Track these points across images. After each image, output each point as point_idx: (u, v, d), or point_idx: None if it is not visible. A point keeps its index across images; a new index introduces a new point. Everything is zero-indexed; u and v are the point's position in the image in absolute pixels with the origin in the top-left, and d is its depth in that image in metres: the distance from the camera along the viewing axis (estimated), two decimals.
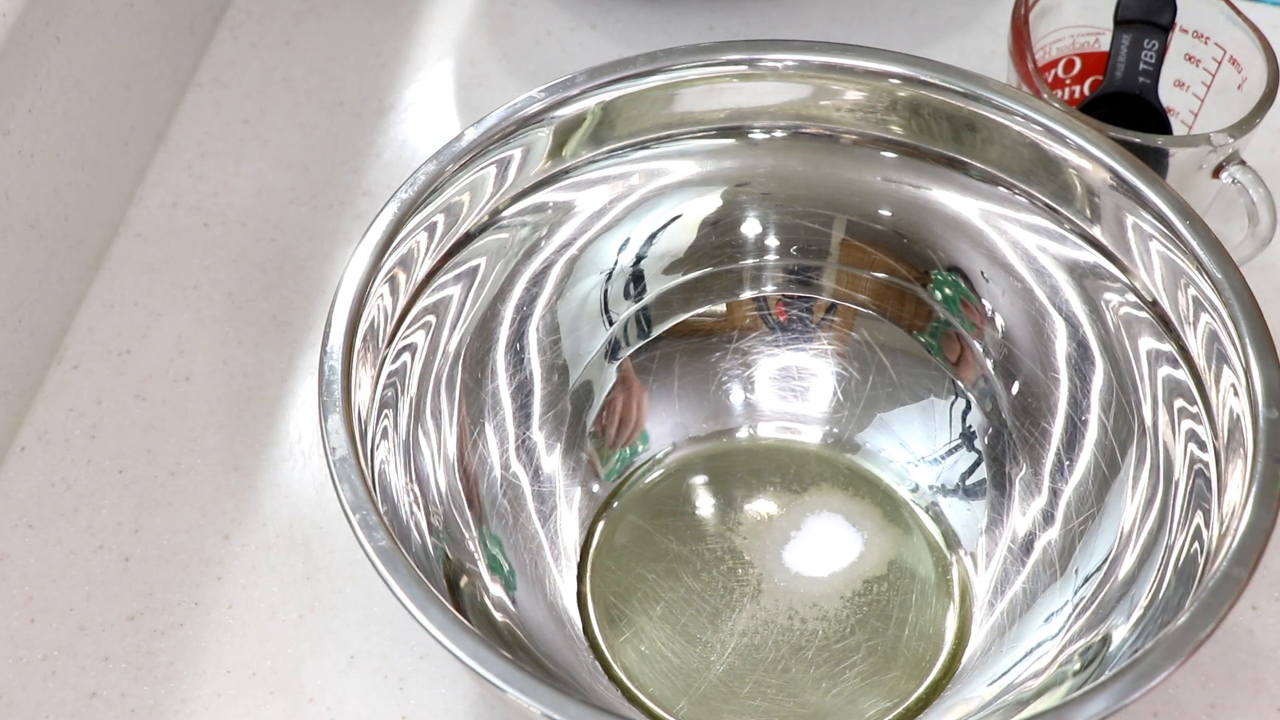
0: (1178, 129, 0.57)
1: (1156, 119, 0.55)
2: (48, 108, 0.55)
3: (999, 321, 0.52)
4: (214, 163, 0.63)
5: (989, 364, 0.52)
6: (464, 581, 0.46)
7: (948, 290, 0.52)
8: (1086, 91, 0.58)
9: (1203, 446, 0.45)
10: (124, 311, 0.58)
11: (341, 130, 0.64)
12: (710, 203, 0.53)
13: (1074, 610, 0.46)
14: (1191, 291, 0.46)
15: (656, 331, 0.54)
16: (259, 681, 0.49)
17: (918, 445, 0.53)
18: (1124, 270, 0.48)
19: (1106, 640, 0.44)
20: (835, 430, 0.54)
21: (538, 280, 0.52)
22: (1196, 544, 0.43)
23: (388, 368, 0.47)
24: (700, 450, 0.53)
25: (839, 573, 0.50)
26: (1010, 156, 0.50)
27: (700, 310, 0.54)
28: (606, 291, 0.53)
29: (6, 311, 0.53)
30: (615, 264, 0.53)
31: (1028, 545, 0.49)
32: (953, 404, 0.52)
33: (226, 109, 0.65)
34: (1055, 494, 0.49)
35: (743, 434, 0.54)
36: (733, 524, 0.52)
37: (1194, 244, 0.45)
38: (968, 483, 0.52)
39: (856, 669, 0.48)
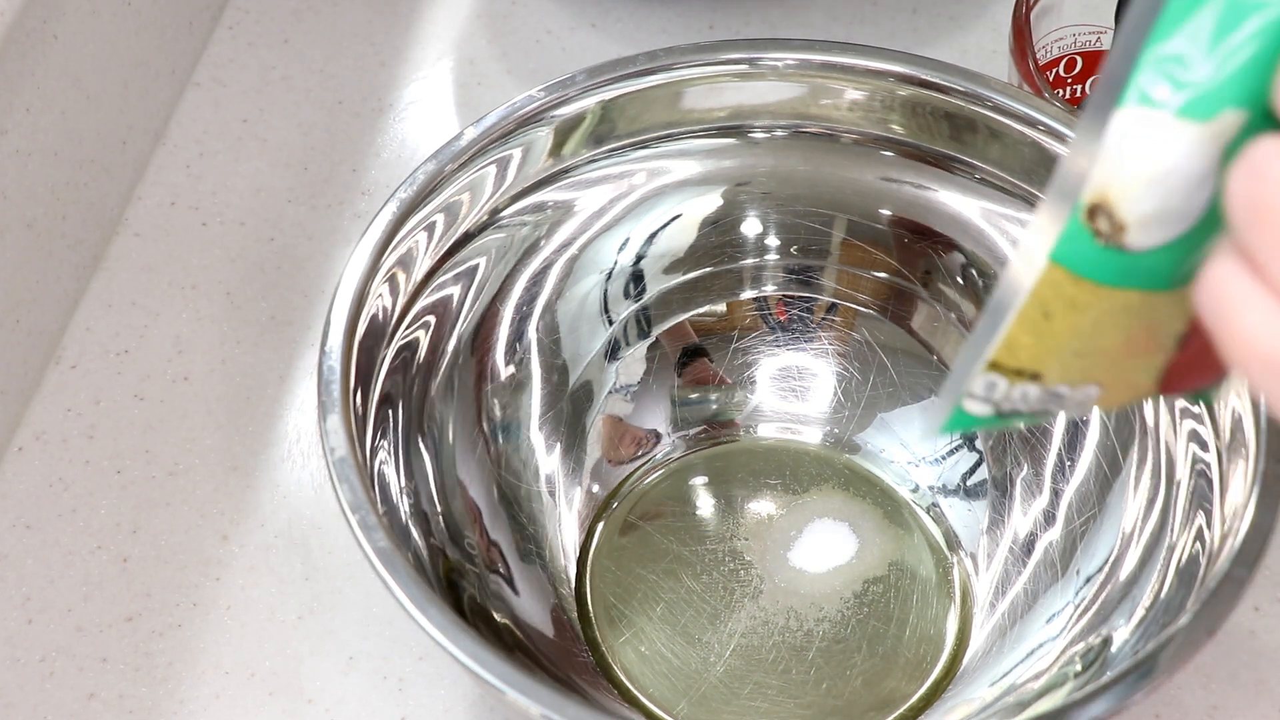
0: None
1: None
2: (45, 107, 0.55)
3: None
4: (212, 162, 0.63)
5: None
6: (463, 582, 0.46)
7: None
8: (1088, 90, 0.58)
9: (1204, 447, 0.45)
10: (122, 311, 0.58)
11: (340, 129, 0.64)
12: (710, 202, 0.53)
13: (1075, 611, 0.46)
14: None
15: (656, 331, 0.54)
16: (258, 682, 0.49)
17: (918, 445, 0.52)
18: None
19: (1108, 641, 0.44)
20: (835, 430, 0.53)
21: (538, 280, 0.51)
22: (1198, 545, 0.43)
23: (387, 367, 0.47)
24: (700, 450, 0.53)
25: (839, 573, 0.50)
26: (1011, 156, 0.50)
27: (700, 310, 0.54)
28: (606, 291, 0.53)
29: (4, 311, 0.53)
30: (615, 264, 0.53)
31: (1029, 546, 0.49)
32: None
33: (225, 108, 0.64)
34: (1056, 494, 0.49)
35: (743, 434, 0.54)
36: (733, 525, 0.51)
37: None
38: (968, 483, 0.51)
39: (857, 670, 0.48)
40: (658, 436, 0.53)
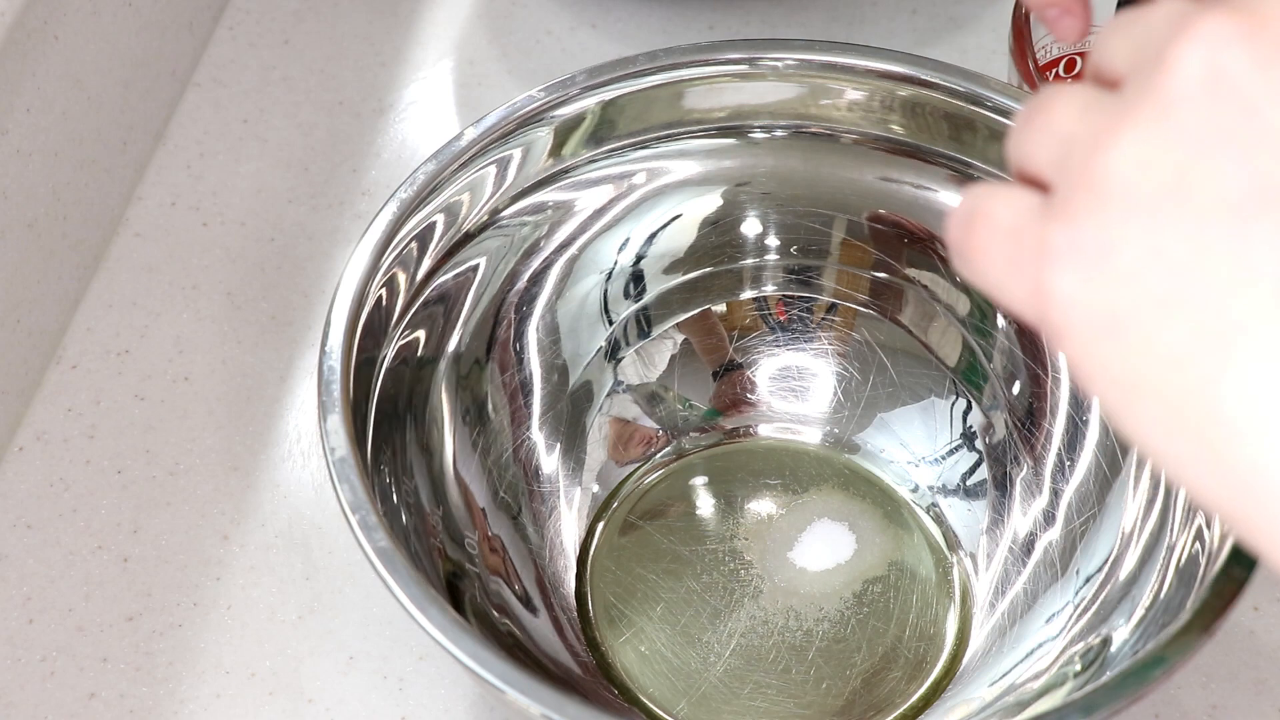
0: None
1: None
2: (46, 107, 0.55)
3: (1000, 322, 0.51)
4: (213, 162, 0.63)
5: (990, 363, 0.52)
6: (463, 582, 0.46)
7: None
8: None
9: None
10: (123, 311, 0.58)
11: (341, 130, 0.64)
12: (710, 202, 0.53)
13: (1075, 611, 0.46)
14: None
15: (656, 331, 0.54)
16: (258, 682, 0.49)
17: (918, 445, 0.52)
18: None
19: (1108, 641, 0.44)
20: (835, 430, 0.53)
21: (538, 280, 0.51)
22: (1198, 544, 0.43)
23: (387, 367, 0.47)
24: (700, 451, 0.53)
25: (839, 573, 0.50)
26: None
27: (700, 310, 0.54)
28: (606, 291, 0.53)
29: (5, 311, 0.53)
30: (615, 264, 0.53)
31: (1029, 546, 0.49)
32: (953, 404, 0.52)
33: (225, 108, 0.64)
34: (1056, 494, 0.49)
35: (743, 434, 0.54)
36: (733, 524, 0.51)
37: None
38: (968, 483, 0.51)
39: (857, 670, 0.48)
40: (669, 436, 0.53)
